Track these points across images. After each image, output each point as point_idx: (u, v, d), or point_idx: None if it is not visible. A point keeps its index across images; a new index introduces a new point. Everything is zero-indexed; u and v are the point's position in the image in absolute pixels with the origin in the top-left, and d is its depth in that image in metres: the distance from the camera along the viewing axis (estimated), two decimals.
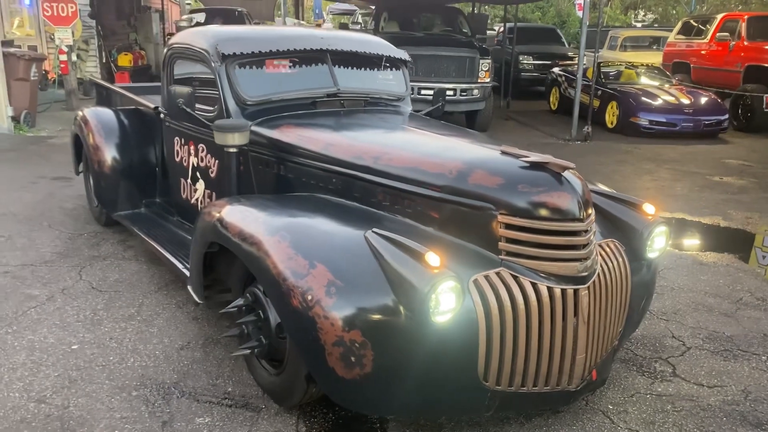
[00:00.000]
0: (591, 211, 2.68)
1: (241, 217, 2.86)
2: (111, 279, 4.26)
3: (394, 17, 12.43)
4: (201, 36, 4.00)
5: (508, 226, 2.56)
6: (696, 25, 14.46)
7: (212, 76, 3.78)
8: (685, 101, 11.12)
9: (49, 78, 13.87)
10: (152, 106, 4.76)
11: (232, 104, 3.71)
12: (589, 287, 2.60)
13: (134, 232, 4.53)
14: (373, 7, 15.01)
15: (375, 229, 2.57)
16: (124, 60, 15.69)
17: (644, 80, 12.47)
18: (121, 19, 16.93)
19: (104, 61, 15.74)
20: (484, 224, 2.60)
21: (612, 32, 18.86)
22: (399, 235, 2.52)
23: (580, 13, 24.20)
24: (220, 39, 3.83)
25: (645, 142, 10.49)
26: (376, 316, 2.33)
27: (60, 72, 12.37)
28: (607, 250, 2.87)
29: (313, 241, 2.57)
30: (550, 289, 2.52)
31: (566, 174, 2.62)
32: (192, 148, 4.13)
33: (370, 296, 2.35)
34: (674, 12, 30.48)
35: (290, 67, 3.98)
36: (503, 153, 2.80)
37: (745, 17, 12.72)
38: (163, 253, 4.01)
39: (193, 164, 4.15)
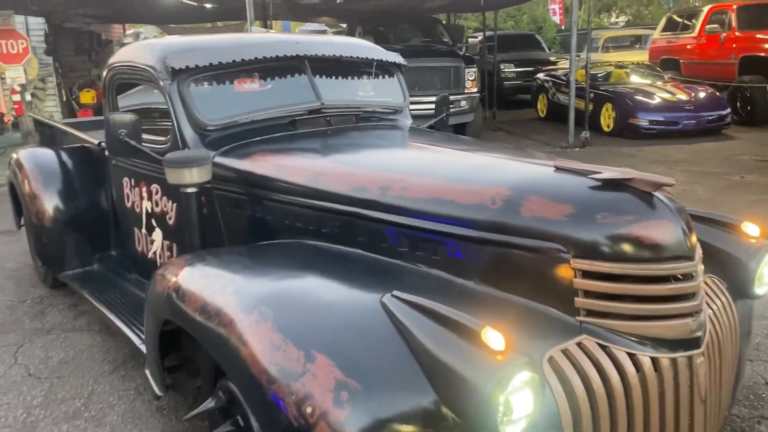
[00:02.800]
0: (697, 244, 1.91)
1: (204, 284, 2.05)
2: (54, 360, 3.41)
3: (369, 32, 11.73)
4: (145, 50, 3.21)
5: (587, 274, 1.79)
6: (681, 20, 13.94)
7: (162, 99, 2.98)
8: (684, 97, 10.51)
9: (6, 121, 12.97)
10: (96, 141, 3.94)
11: (188, 131, 2.92)
12: (703, 351, 1.83)
13: (84, 297, 3.69)
14: (345, 25, 14.36)
15: (395, 292, 1.78)
16: (87, 97, 14.80)
17: (635, 79, 11.87)
18: (81, 54, 16.08)
19: (65, 99, 14.86)
20: (551, 273, 1.83)
21: (592, 34, 18.33)
22: (430, 297, 1.74)
23: (555, 18, 23.85)
24: (168, 51, 3.03)
25: (647, 144, 9.83)
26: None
27: (15, 114, 11.48)
28: (708, 291, 2.10)
29: (308, 318, 1.76)
30: (654, 360, 1.76)
31: (659, 194, 1.85)
32: (144, 190, 3.31)
33: (399, 402, 1.56)
34: (647, 12, 30.27)
35: (260, 80, 3.19)
36: (559, 169, 2.03)
37: (734, 7, 12.19)
38: (116, 324, 3.18)
39: (146, 210, 3.32)
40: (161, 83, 2.95)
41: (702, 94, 10.66)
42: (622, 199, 1.82)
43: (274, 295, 1.88)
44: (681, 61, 13.40)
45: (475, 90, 10.20)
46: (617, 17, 31.87)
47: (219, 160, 2.83)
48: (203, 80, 3.00)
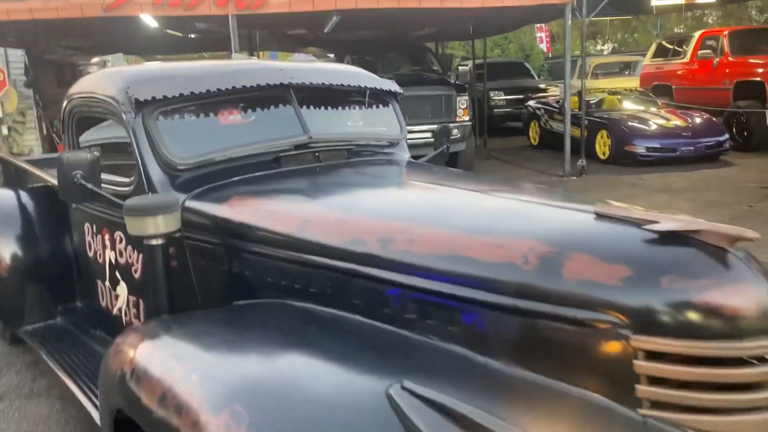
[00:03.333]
0: None
1: (165, 367, 1.64)
2: None
3: (357, 61, 11.45)
4: (107, 79, 2.83)
5: (653, 356, 1.40)
6: (671, 46, 13.82)
7: (125, 134, 2.60)
8: (681, 124, 10.27)
9: None
10: None
11: (155, 172, 2.53)
12: None
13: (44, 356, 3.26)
14: (332, 55, 14.13)
15: (406, 383, 1.39)
16: None
17: (629, 105, 11.65)
18: (63, 86, 15.65)
19: (45, 132, 14.43)
20: (604, 352, 1.44)
21: (580, 61, 18.24)
22: (448, 384, 1.36)
23: (542, 46, 23.84)
24: (132, 80, 2.66)
25: (645, 171, 9.54)
26: None
27: None
28: None
29: (293, 421, 1.36)
30: None
31: (734, 250, 1.47)
32: (106, 237, 2.90)
33: None
34: (631, 40, 30.46)
35: (239, 112, 2.82)
36: (602, 216, 1.65)
37: (726, 32, 12.08)
38: (75, 393, 2.75)
39: (110, 260, 2.91)
40: (124, 117, 2.57)
41: (698, 120, 10.43)
42: (691, 257, 1.44)
43: (251, 386, 1.47)
44: (673, 87, 13.22)
45: (467, 118, 9.92)
46: (603, 44, 32.06)
47: (191, 204, 2.44)
48: (172, 113, 2.62)
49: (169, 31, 12.47)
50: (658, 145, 9.94)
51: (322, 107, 2.98)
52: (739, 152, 10.83)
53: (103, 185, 2.61)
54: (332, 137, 2.90)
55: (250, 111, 2.83)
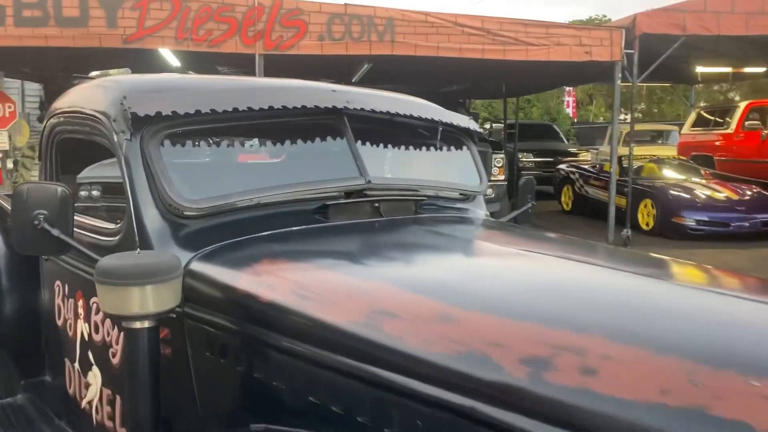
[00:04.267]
0: None
1: None
2: None
3: None
4: (99, 89, 2.12)
5: None
6: (712, 117, 13.22)
7: (115, 163, 1.85)
8: (733, 197, 9.51)
9: None
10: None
11: (152, 217, 1.78)
12: None
13: None
14: None
15: None
16: None
17: (670, 174, 10.93)
18: None
19: None
20: None
21: (611, 127, 17.73)
22: None
23: (568, 111, 23.46)
24: (131, 90, 1.94)
25: (695, 246, 8.72)
26: None
27: None
28: None
29: None
30: None
31: None
32: (80, 304, 2.12)
33: None
34: (656, 110, 30.17)
35: (273, 143, 2.07)
36: None
37: None
38: None
39: (82, 335, 2.13)
40: (115, 138, 1.83)
41: (751, 194, 9.68)
42: None
43: None
44: (715, 157, 12.53)
45: (502, 178, 9.26)
46: (626, 114, 31.70)
47: (199, 268, 1.67)
48: (182, 137, 1.89)
49: (190, 72, 12.03)
50: (710, 219, 9.15)
51: (383, 144, 2.24)
52: None
53: (79, 231, 1.85)
54: (396, 184, 2.15)
55: (288, 142, 2.09)
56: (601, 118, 28.68)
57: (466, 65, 9.14)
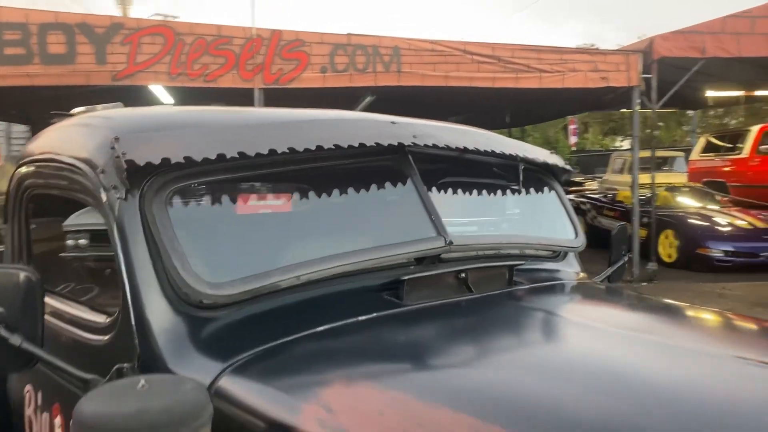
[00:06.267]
0: None
1: None
2: None
3: None
4: (81, 130, 1.59)
5: None
6: (722, 143, 12.86)
7: (104, 229, 1.31)
8: (758, 224, 9.02)
9: None
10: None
11: (158, 309, 1.25)
12: None
13: None
14: None
15: None
16: None
17: (687, 202, 10.47)
18: None
19: None
20: None
21: (615, 155, 17.45)
22: None
23: (574, 138, 23.12)
24: (124, 129, 1.41)
25: (726, 279, 8.20)
26: None
27: None
28: None
29: None
30: None
31: None
32: (57, 420, 1.55)
33: None
34: (655, 137, 29.98)
35: (320, 195, 1.54)
36: None
37: None
38: None
39: None
40: (103, 196, 1.29)
41: None
42: None
43: None
44: (728, 183, 12.11)
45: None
46: (622, 140, 31.49)
47: (232, 388, 1.13)
48: (197, 193, 1.35)
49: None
50: (738, 249, 8.65)
51: (455, 189, 1.71)
52: None
53: (53, 323, 1.31)
54: (483, 243, 1.61)
55: (336, 192, 1.55)
56: (597, 146, 28.46)
57: (467, 94, 8.71)
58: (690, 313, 1.71)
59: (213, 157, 1.29)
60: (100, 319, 1.36)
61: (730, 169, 12.23)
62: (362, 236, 1.51)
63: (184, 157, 1.27)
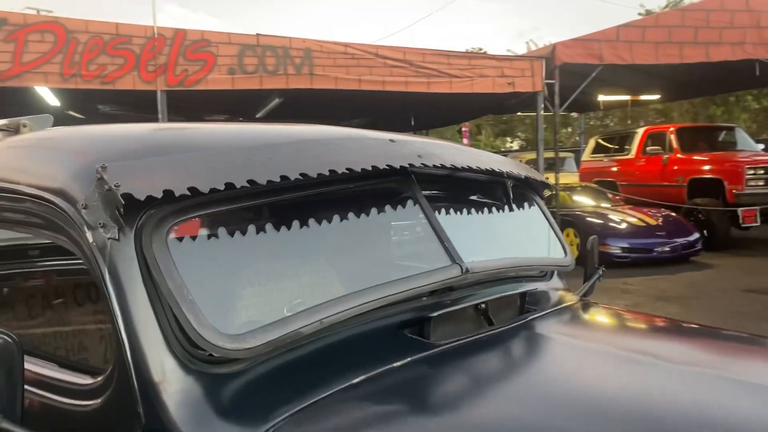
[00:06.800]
0: None
1: None
2: None
3: None
4: (42, 154, 1.34)
5: None
6: (611, 144, 13.63)
7: (89, 275, 1.10)
8: (652, 222, 9.61)
9: None
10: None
11: (165, 368, 1.06)
12: None
13: None
14: None
15: None
16: None
17: (582, 201, 10.99)
18: None
19: None
20: None
21: (511, 156, 18.05)
22: None
23: (465, 141, 23.69)
24: (108, 156, 1.19)
25: (625, 274, 8.65)
26: None
27: None
28: None
29: None
30: None
31: None
32: None
33: None
34: (559, 141, 31.46)
35: (315, 222, 1.38)
36: None
37: (673, 129, 11.92)
38: None
39: None
40: (88, 236, 1.08)
41: (668, 218, 9.85)
42: None
43: None
44: (618, 183, 12.84)
45: None
46: (511, 141, 32.75)
47: None
48: (204, 227, 1.16)
49: (71, 112, 10.78)
50: (635, 246, 9.16)
51: (454, 210, 1.61)
52: (705, 252, 10.27)
53: (32, 392, 1.09)
54: (495, 269, 1.51)
55: (345, 222, 1.41)
56: (490, 147, 29.45)
57: (380, 98, 8.69)
58: (704, 333, 1.71)
59: (221, 186, 1.10)
60: (82, 380, 1.14)
61: (618, 170, 12.95)
62: (377, 269, 1.37)
63: (189, 188, 1.08)
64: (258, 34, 7.42)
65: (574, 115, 24.05)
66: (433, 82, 7.84)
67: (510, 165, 1.81)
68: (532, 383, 1.17)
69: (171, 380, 1.03)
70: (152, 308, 1.06)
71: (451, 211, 1.57)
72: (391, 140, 1.53)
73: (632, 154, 12.61)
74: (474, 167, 1.58)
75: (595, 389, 1.19)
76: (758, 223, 10.06)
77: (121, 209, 1.04)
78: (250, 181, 1.14)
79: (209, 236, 1.17)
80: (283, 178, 1.18)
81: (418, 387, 1.14)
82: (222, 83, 7.32)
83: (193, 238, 1.14)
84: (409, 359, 1.18)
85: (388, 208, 1.43)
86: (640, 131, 12.88)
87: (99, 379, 1.10)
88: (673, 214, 10.14)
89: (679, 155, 11.50)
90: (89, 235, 1.09)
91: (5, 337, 0.99)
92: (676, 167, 11.48)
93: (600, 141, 14.27)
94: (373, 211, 1.42)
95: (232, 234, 1.20)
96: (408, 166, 1.38)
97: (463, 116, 14.16)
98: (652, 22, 8.69)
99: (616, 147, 13.29)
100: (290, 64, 7.44)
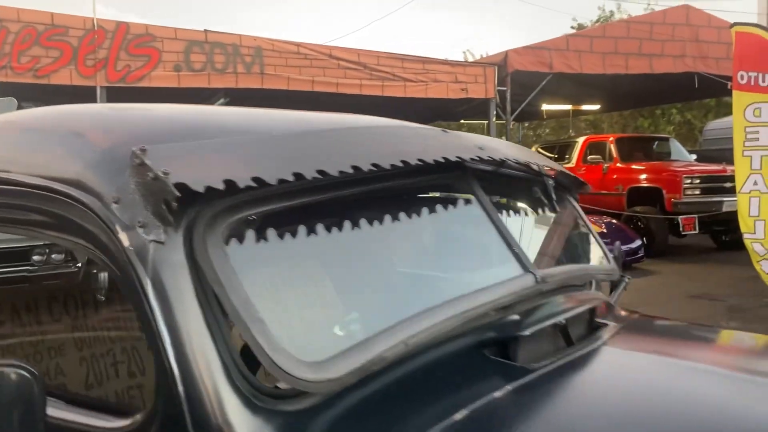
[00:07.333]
0: None
1: None
2: None
3: None
4: (48, 133, 1.07)
5: None
6: (551, 154, 13.87)
7: (124, 286, 0.85)
8: (596, 229, 9.74)
9: None
10: None
11: (227, 405, 0.82)
12: None
13: None
14: None
15: None
16: None
17: None
18: None
19: None
20: None
21: None
22: None
23: None
24: (141, 137, 0.94)
25: None
26: None
27: None
28: None
29: None
30: None
31: None
32: None
33: None
34: None
35: (367, 223, 1.17)
36: None
37: (612, 139, 12.21)
38: None
39: None
40: (123, 239, 0.83)
41: (608, 225, 10.02)
42: None
43: None
44: None
45: None
46: None
47: None
48: (256, 228, 0.93)
49: None
50: None
51: (513, 211, 1.44)
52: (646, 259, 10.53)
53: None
54: (566, 278, 1.34)
55: (407, 223, 1.20)
56: None
57: (333, 101, 8.47)
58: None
59: (290, 177, 0.88)
60: (112, 423, 0.88)
61: None
62: (448, 278, 1.17)
63: (253, 178, 0.85)
64: (206, 30, 7.08)
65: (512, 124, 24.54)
66: (387, 85, 7.70)
67: (553, 164, 1.65)
68: (657, 410, 1.00)
69: (235, 422, 0.80)
70: (208, 330, 0.82)
71: (503, 211, 1.39)
72: (444, 131, 1.34)
73: (572, 163, 12.83)
74: (532, 165, 1.41)
75: (715, 410, 1.04)
76: (696, 231, 10.40)
77: (173, 204, 0.80)
78: (320, 171, 0.92)
79: (261, 238, 0.93)
80: (355, 168, 0.97)
81: (530, 422, 0.94)
82: (167, 80, 6.94)
83: (249, 241, 0.90)
84: (507, 387, 0.98)
85: (449, 208, 1.23)
86: (581, 140, 13.14)
87: (132, 421, 0.85)
88: (615, 221, 10.34)
89: (618, 164, 11.79)
90: (123, 237, 0.84)
91: (22, 371, 0.73)
92: (615, 176, 11.75)
93: (540, 150, 14.50)
94: (435, 210, 1.22)
95: (293, 234, 0.97)
96: (476, 158, 1.20)
97: (415, 122, 14.12)
98: (599, 32, 8.86)
99: (556, 156, 13.51)
100: (240, 62, 7.14)
